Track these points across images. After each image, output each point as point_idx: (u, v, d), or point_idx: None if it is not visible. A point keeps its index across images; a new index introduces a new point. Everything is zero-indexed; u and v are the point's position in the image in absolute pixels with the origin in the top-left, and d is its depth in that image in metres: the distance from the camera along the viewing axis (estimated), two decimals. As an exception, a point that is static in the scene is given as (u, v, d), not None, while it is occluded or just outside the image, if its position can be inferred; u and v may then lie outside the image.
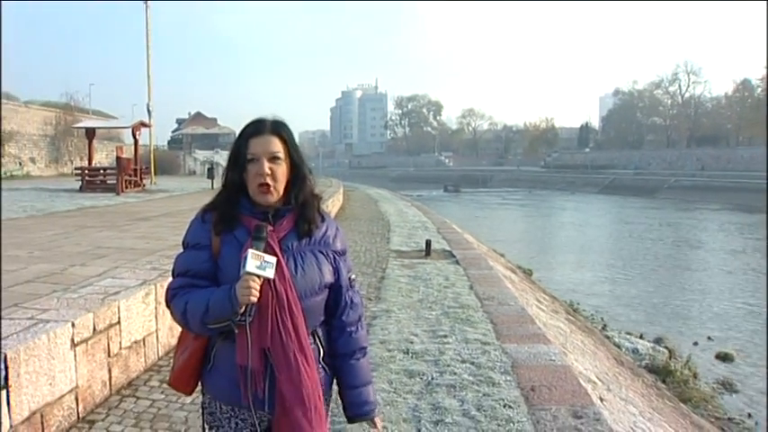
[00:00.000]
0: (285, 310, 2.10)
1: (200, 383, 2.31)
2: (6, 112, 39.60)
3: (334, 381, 2.37)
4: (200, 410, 2.32)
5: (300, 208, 2.23)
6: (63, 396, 4.16)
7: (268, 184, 2.14)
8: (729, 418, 8.80)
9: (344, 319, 2.33)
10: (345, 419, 2.42)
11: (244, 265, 2.00)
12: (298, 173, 2.23)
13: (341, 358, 2.34)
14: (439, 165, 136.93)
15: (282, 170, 2.18)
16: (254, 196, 2.17)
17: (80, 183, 24.36)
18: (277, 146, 2.17)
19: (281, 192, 2.19)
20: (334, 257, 2.29)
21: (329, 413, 2.42)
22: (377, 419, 2.40)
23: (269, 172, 2.13)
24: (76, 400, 4.33)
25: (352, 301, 2.35)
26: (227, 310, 2.03)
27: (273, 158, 2.15)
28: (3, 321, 4.26)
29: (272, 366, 2.12)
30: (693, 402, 8.73)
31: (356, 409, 2.35)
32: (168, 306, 2.22)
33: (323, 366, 2.28)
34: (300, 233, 2.22)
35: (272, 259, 2.05)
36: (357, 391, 2.35)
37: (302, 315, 2.14)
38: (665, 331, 14.46)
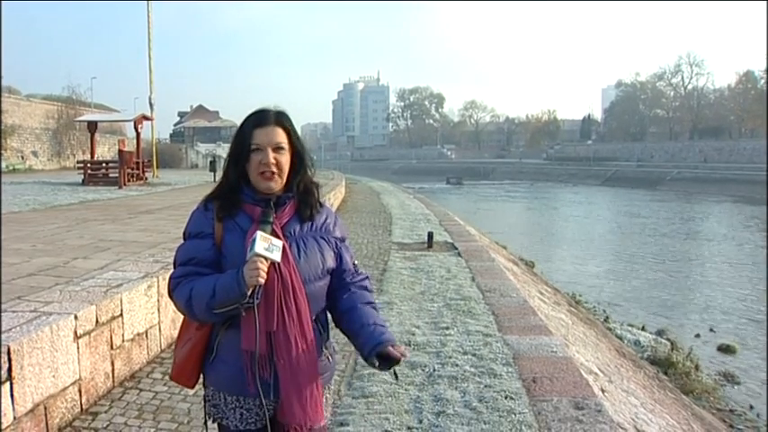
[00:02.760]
0: (290, 295, 2.11)
1: (201, 376, 2.31)
2: (9, 106, 39.62)
3: (336, 365, 2.38)
4: (203, 403, 2.31)
5: (302, 195, 2.26)
6: (66, 388, 4.18)
7: (272, 172, 2.16)
8: (731, 410, 8.81)
9: (354, 282, 2.35)
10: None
11: (252, 248, 2.02)
12: (300, 161, 2.25)
13: (352, 310, 2.28)
14: (441, 157, 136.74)
15: (286, 159, 2.20)
16: (257, 183, 2.19)
17: (82, 176, 24.37)
18: (281, 136, 2.19)
19: (284, 180, 2.21)
20: (336, 243, 2.32)
21: (330, 400, 2.43)
22: (400, 348, 2.19)
23: (274, 161, 2.15)
24: (80, 392, 4.34)
25: (360, 278, 2.38)
26: (234, 293, 2.03)
27: (278, 149, 2.17)
28: (6, 314, 4.28)
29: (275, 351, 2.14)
30: (695, 394, 8.74)
31: (378, 337, 2.18)
32: (171, 296, 2.22)
33: (325, 354, 2.30)
34: (302, 218, 2.25)
35: (279, 243, 2.07)
36: (377, 328, 2.23)
37: (306, 300, 2.15)
38: (667, 323, 14.49)
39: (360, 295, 2.34)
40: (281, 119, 2.22)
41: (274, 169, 2.16)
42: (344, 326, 2.32)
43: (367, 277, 2.42)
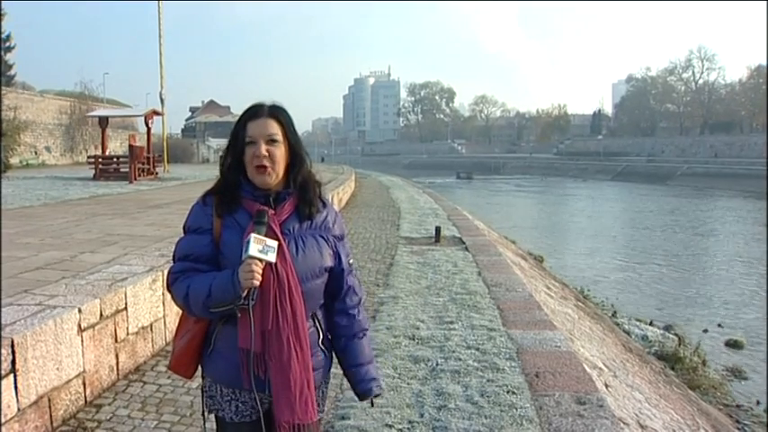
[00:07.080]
0: (285, 294, 2.11)
1: (200, 367, 2.33)
2: (23, 102, 39.86)
3: (336, 363, 2.40)
4: (201, 394, 2.33)
5: (300, 190, 2.24)
6: (70, 380, 4.21)
7: (265, 166, 2.15)
8: (737, 405, 8.78)
9: (347, 302, 2.36)
10: (355, 398, 2.44)
11: (246, 250, 2.02)
12: (296, 156, 2.24)
13: (344, 339, 2.37)
14: (452, 152, 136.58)
15: (281, 152, 2.19)
16: (253, 178, 2.19)
17: (93, 171, 24.45)
18: (274, 128, 2.19)
19: (280, 174, 2.20)
20: (334, 242, 2.31)
21: (325, 398, 2.43)
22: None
23: (266, 153, 2.15)
24: (84, 384, 4.37)
25: (352, 285, 2.37)
26: (229, 294, 2.04)
27: (271, 141, 2.17)
28: (11, 307, 4.32)
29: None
30: (702, 389, 8.72)
31: (364, 386, 2.38)
32: (169, 290, 2.24)
33: (322, 350, 2.30)
34: (301, 216, 2.24)
35: (274, 243, 2.07)
36: (363, 369, 2.37)
37: (302, 299, 2.15)
38: (674, 318, 14.47)
39: (358, 322, 2.39)
40: (275, 112, 2.22)
41: (266, 162, 2.15)
42: (338, 353, 2.40)
43: (360, 292, 2.43)
